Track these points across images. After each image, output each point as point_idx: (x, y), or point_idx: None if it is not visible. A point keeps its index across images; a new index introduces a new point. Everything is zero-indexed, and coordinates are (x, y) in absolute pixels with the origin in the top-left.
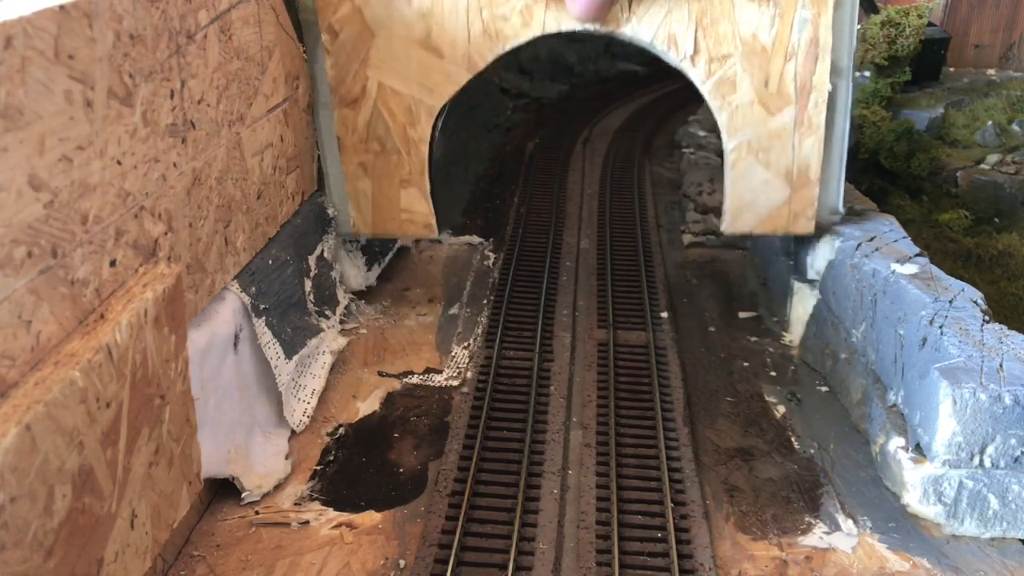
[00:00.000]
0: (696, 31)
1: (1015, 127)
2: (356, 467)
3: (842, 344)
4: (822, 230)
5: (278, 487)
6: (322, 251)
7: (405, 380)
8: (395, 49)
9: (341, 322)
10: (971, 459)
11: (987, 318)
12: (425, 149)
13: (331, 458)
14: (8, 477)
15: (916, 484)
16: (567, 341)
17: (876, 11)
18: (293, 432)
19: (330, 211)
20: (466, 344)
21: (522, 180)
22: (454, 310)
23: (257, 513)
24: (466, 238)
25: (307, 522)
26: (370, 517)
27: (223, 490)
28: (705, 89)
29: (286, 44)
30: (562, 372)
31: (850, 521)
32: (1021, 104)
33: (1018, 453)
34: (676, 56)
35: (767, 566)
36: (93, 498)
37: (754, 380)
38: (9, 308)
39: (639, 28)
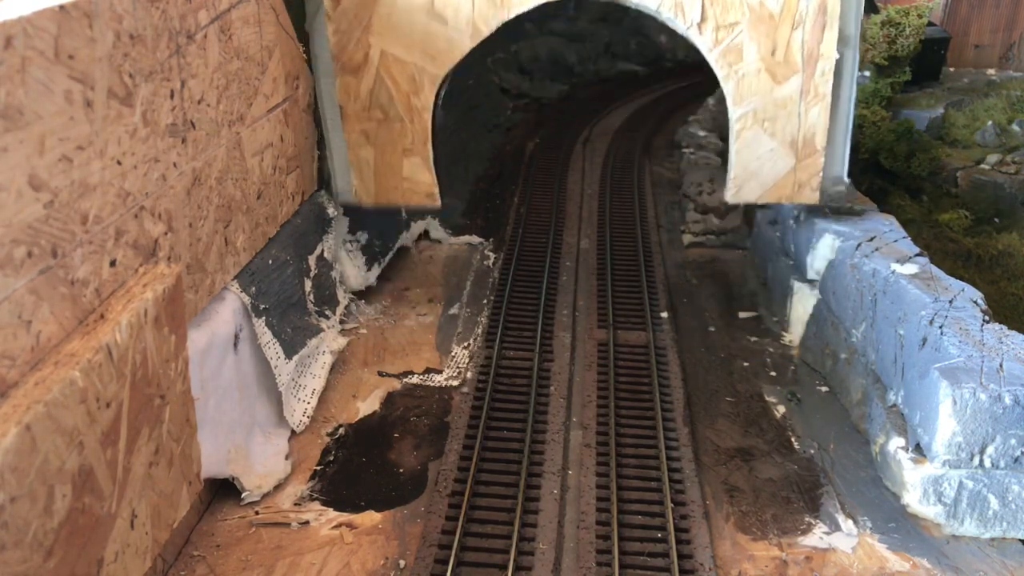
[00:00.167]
0: None
1: (1015, 127)
2: (356, 467)
3: (842, 344)
4: (826, 200)
5: (278, 487)
6: (322, 251)
7: (405, 380)
8: (398, 16)
9: (341, 322)
10: (971, 459)
11: (987, 318)
12: (428, 118)
13: (331, 458)
14: (8, 477)
15: (916, 484)
16: (567, 341)
17: (876, 11)
18: (293, 432)
19: (338, 184)
20: (466, 344)
21: (522, 180)
22: (454, 310)
23: (257, 513)
24: (466, 238)
25: (307, 522)
26: (370, 517)
27: (223, 490)
28: (712, 57)
29: (286, 44)
30: (562, 372)
31: (850, 521)
32: (1021, 104)
33: (1018, 453)
34: (683, 23)
35: (767, 566)
36: (93, 498)
37: (754, 380)
38: (9, 308)
39: None
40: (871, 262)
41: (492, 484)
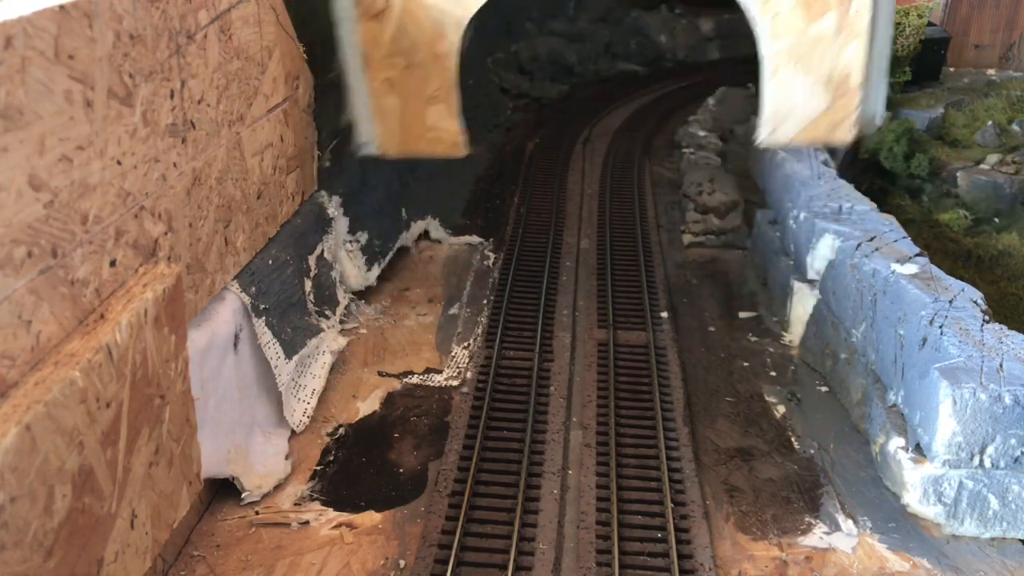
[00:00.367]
0: None
1: (1015, 127)
2: (356, 467)
3: (842, 344)
4: (860, 139)
5: (278, 487)
6: (322, 251)
7: (405, 380)
8: None
9: (341, 322)
10: (971, 459)
11: (987, 318)
12: (453, 64)
13: (331, 458)
14: (8, 477)
15: (916, 484)
16: (567, 341)
17: None
18: (293, 432)
19: (361, 135)
20: (466, 344)
21: (522, 180)
22: (454, 310)
23: (257, 513)
24: (466, 238)
25: (307, 522)
26: (370, 517)
27: (223, 490)
28: None
29: (286, 44)
30: (562, 372)
31: (850, 521)
32: (1021, 104)
33: (1018, 453)
34: None
35: (767, 566)
36: (93, 498)
37: (754, 380)
38: (9, 308)
39: None
40: (871, 262)
41: (492, 484)
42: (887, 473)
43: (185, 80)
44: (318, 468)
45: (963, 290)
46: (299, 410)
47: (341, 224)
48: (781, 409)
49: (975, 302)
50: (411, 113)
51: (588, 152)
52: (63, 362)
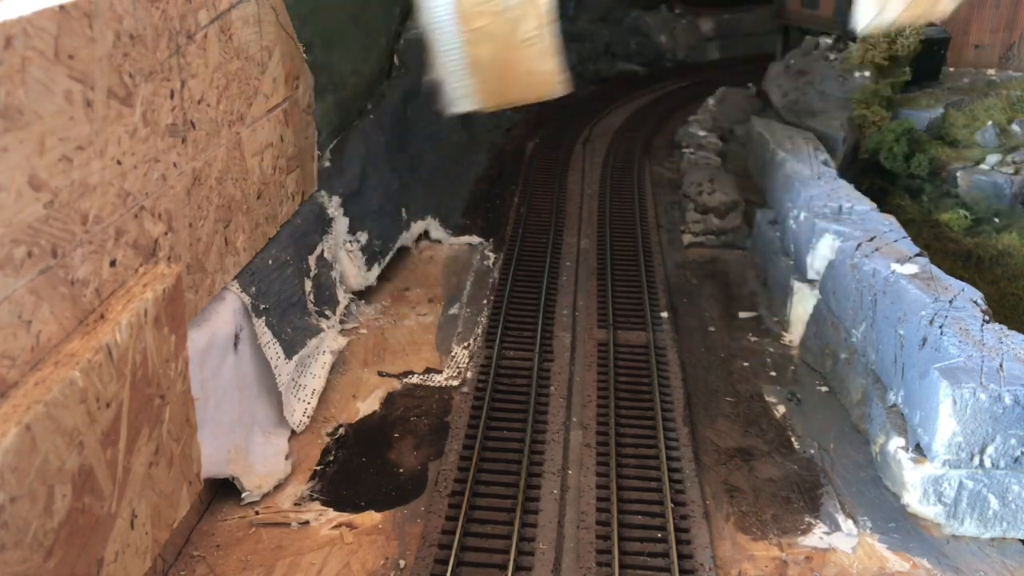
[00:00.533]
0: None
1: (1015, 127)
2: (356, 467)
3: (842, 344)
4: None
5: (278, 487)
6: (322, 251)
7: (405, 380)
8: None
9: (341, 322)
10: (971, 459)
11: (987, 318)
12: (546, 1)
13: (331, 458)
14: (8, 477)
15: (916, 484)
16: (567, 341)
17: None
18: (293, 432)
19: (452, 92)
20: (466, 344)
21: (522, 180)
22: (454, 310)
23: (257, 513)
24: (466, 238)
25: (307, 522)
26: (370, 517)
27: (223, 490)
28: None
29: (286, 44)
30: (562, 372)
31: (850, 521)
32: (1021, 104)
33: (1018, 453)
34: None
35: (767, 566)
36: (93, 498)
37: (754, 380)
38: (9, 308)
39: None
40: (871, 262)
41: (492, 484)
42: (887, 473)
43: (185, 80)
44: (318, 468)
45: (963, 290)
46: (299, 410)
47: (341, 224)
48: (781, 409)
49: (975, 302)
50: (507, 59)
51: (588, 152)
52: (63, 362)
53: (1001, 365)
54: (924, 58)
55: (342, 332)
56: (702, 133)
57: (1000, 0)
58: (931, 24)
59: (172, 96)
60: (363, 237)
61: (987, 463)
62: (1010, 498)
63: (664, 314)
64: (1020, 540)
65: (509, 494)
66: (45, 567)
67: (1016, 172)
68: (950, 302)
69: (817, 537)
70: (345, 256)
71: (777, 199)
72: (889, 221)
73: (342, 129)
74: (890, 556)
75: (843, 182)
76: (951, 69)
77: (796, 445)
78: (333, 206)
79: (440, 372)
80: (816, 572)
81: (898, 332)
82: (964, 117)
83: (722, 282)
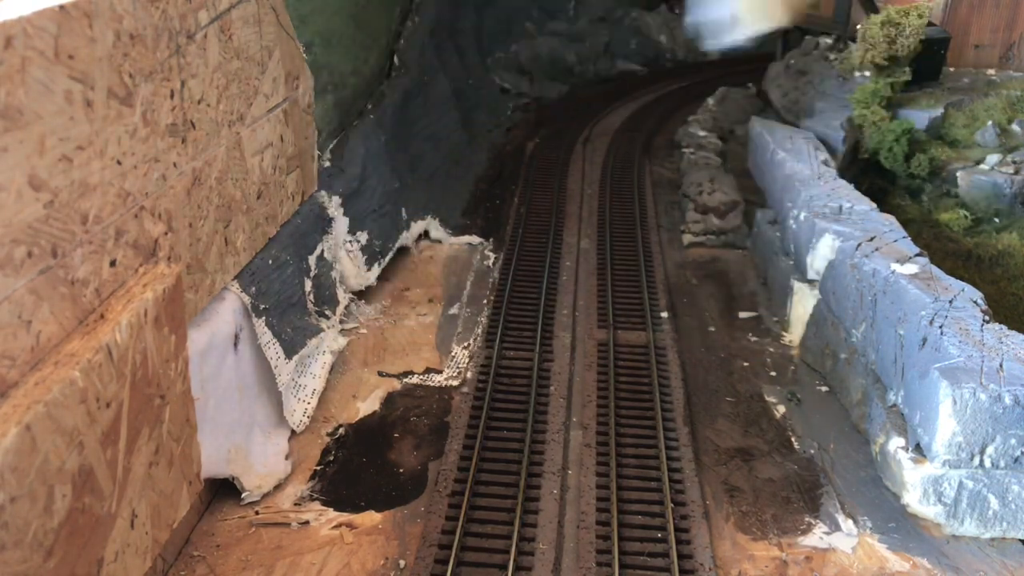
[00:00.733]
0: None
1: (1015, 127)
2: (356, 467)
3: (842, 344)
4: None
5: (278, 487)
6: (322, 251)
7: (405, 380)
8: None
9: (341, 322)
10: (971, 459)
11: (987, 318)
12: None
13: (331, 458)
14: (8, 477)
15: (916, 484)
16: (567, 341)
17: (876, 11)
18: (293, 432)
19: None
20: (466, 344)
21: (522, 180)
22: (454, 310)
23: (257, 513)
24: (466, 238)
25: (307, 522)
26: (370, 517)
27: (223, 490)
28: None
29: (286, 44)
30: (562, 372)
31: (850, 521)
32: (1021, 104)
33: (1018, 453)
34: None
35: (767, 566)
36: (93, 498)
37: (754, 380)
38: (9, 308)
39: None
40: (871, 262)
41: (492, 484)
42: (887, 473)
43: (185, 80)
44: (318, 468)
45: (963, 290)
46: (299, 410)
47: (341, 224)
48: (781, 409)
49: (975, 302)
50: None
51: (588, 152)
52: (63, 362)
53: (1001, 365)
54: (924, 58)
55: (342, 332)
56: (702, 133)
57: (1000, 0)
58: (931, 24)
59: (172, 96)
60: (363, 237)
61: (987, 463)
62: (1010, 498)
63: (664, 314)
64: (1020, 540)
65: (509, 494)
66: (45, 567)
67: (1016, 172)
68: (950, 302)
69: (817, 537)
70: (345, 256)
71: (777, 199)
72: (889, 221)
73: (342, 129)
74: (890, 556)
75: (843, 182)
76: (951, 69)
77: (796, 445)
78: (333, 206)
79: (440, 372)
80: (816, 572)
81: (898, 332)
82: (964, 117)
83: (722, 282)
